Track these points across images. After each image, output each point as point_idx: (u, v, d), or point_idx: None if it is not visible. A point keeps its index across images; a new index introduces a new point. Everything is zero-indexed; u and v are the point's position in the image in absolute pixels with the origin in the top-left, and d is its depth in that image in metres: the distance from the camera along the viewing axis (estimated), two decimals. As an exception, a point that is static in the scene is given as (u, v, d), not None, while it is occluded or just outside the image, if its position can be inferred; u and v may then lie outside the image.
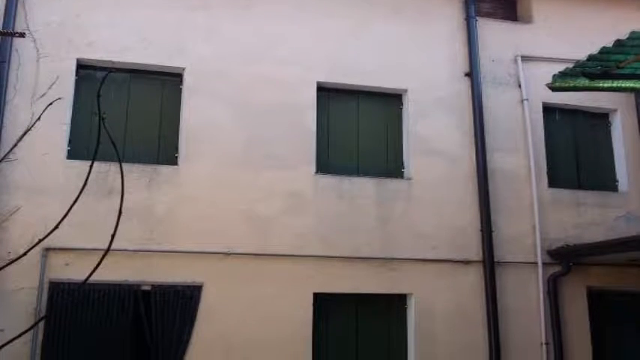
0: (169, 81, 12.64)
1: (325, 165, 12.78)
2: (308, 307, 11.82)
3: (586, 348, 12.84)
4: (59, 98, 10.42)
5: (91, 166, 4.13)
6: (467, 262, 12.72)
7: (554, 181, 13.75)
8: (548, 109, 14.22)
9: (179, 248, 11.50)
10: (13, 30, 11.40)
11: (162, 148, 12.26)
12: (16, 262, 4.52)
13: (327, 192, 12.44)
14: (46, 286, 10.87)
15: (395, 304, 12.51)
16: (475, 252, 12.80)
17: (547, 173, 13.68)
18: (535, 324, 12.72)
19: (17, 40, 11.59)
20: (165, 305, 11.24)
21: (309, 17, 13.39)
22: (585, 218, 13.55)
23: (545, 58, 14.02)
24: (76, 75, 12.03)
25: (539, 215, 13.22)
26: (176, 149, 12.16)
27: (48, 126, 10.95)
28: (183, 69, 12.48)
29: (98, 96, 4.16)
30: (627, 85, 11.04)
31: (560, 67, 10.80)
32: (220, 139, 12.20)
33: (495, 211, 13.03)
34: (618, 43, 9.62)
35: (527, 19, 14.78)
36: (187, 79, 12.46)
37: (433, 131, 13.30)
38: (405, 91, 13.49)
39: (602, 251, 12.39)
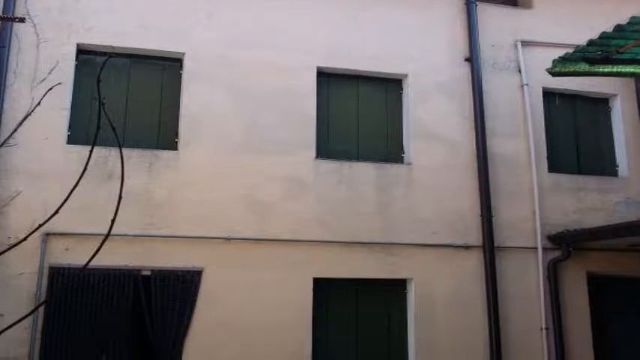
0: (169, 66, 12.54)
1: (325, 150, 12.70)
2: (308, 292, 11.76)
3: (586, 333, 12.77)
4: (59, 83, 10.41)
5: (91, 151, 4.06)
6: (467, 247, 12.65)
7: (554, 166, 13.68)
8: (549, 94, 14.14)
9: (179, 233, 11.43)
10: (13, 15, 11.32)
11: (162, 133, 12.18)
12: (16, 247, 4.43)
13: (327, 177, 12.36)
14: (46, 271, 10.80)
15: (395, 289, 12.42)
16: (475, 237, 12.72)
17: (547, 158, 13.60)
18: (535, 309, 12.66)
19: (17, 25, 11.49)
20: (165, 290, 11.17)
21: (310, 2, 13.28)
22: (585, 203, 13.47)
23: (545, 43, 13.92)
24: (76, 60, 11.94)
25: (539, 200, 13.13)
26: (176, 134, 12.07)
27: (48, 111, 10.89)
28: (184, 54, 12.39)
29: (98, 81, 4.09)
30: (627, 70, 10.95)
31: (560, 52, 10.69)
32: (220, 125, 12.12)
33: (495, 196, 12.95)
34: (618, 28, 9.52)
35: (527, 4, 14.63)
36: (187, 64, 12.36)
37: (433, 116, 13.21)
38: (405, 76, 13.40)
39: (602, 236, 12.29)
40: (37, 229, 4.42)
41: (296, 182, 12.19)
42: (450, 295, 12.41)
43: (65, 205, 4.01)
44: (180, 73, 12.46)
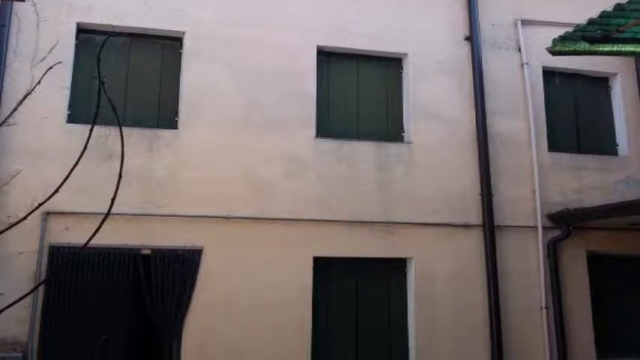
0: (169, 45, 12.43)
1: (325, 129, 12.58)
2: (308, 271, 11.69)
3: (586, 312, 12.69)
4: (59, 62, 10.34)
5: (91, 130, 4.01)
6: (467, 226, 12.56)
7: (554, 145, 13.55)
8: (548, 73, 14.01)
9: (179, 212, 11.35)
10: (13, -6, 11.27)
11: (163, 112, 12.08)
12: (16, 226, 4.41)
13: (327, 156, 12.26)
14: (46, 250, 10.75)
15: (395, 268, 12.33)
16: (475, 216, 12.63)
17: (547, 137, 13.48)
18: (535, 288, 12.57)
19: (17, 5, 11.36)
20: (165, 269, 11.11)
21: (310, -20, 13.16)
22: (585, 182, 13.36)
23: (546, 22, 13.73)
24: (76, 39, 11.84)
25: (539, 179, 13.03)
26: (176, 113, 11.98)
27: (48, 90, 10.68)
28: (184, 33, 12.27)
29: (98, 60, 4.03)
30: (627, 49, 10.86)
31: (560, 31, 10.58)
32: (220, 104, 12.03)
33: (495, 175, 12.84)
34: (618, 7, 9.40)
35: (528, -17, 14.52)
36: (187, 43, 12.25)
37: (433, 95, 13.10)
38: (406, 54, 13.28)
39: (602, 215, 12.23)
40: (36, 208, 4.39)
41: (296, 161, 12.09)
42: (450, 274, 12.32)
43: (65, 184, 3.95)
44: (181, 52, 12.35)
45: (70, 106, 11.54)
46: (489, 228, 12.49)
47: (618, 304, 13.25)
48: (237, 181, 11.74)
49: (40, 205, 4.33)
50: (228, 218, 11.51)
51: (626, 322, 13.21)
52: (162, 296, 11.02)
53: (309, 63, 12.70)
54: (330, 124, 12.74)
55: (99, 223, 3.84)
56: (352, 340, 11.92)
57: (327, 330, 11.81)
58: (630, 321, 13.20)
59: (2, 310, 3.79)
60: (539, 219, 12.85)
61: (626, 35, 10.40)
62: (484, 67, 13.38)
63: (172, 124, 11.94)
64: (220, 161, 11.75)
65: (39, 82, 5.88)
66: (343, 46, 13.05)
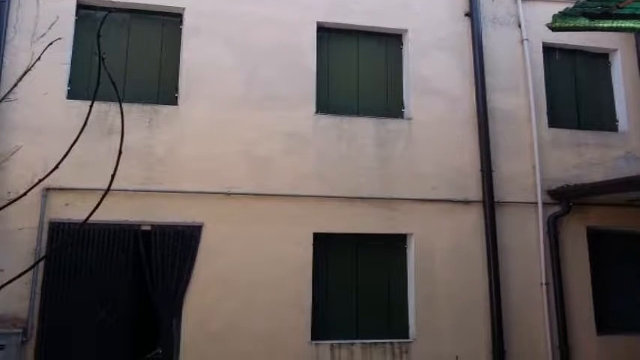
0: (169, 21, 12.33)
1: (325, 105, 12.49)
2: (308, 247, 11.63)
3: (586, 287, 12.61)
4: (59, 38, 10.16)
5: (90, 106, 3.91)
6: (467, 202, 12.46)
7: (554, 121, 13.46)
8: (549, 49, 13.90)
9: (179, 188, 11.28)
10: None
11: (162, 88, 12.01)
12: (16, 202, 4.35)
13: (327, 132, 12.18)
14: (46, 226, 10.71)
15: (395, 244, 12.26)
16: (475, 192, 12.53)
17: (547, 113, 13.39)
18: (535, 264, 12.49)
19: (17, -19, 11.33)
20: (165, 245, 11.03)
21: (310, -44, 13.00)
22: (585, 158, 13.26)
23: (546, -2, 13.68)
24: (76, 15, 11.76)
25: (539, 155, 12.92)
26: (176, 89, 11.90)
27: (48, 66, 10.55)
28: (183, 9, 12.16)
29: (98, 36, 3.92)
30: (627, 25, 10.76)
31: (561, 7, 10.48)
32: (220, 80, 11.95)
33: (495, 151, 12.73)
34: (618, -17, 9.36)
35: (528, -42, 14.39)
36: (187, 19, 12.14)
37: (433, 71, 12.98)
38: (405, 31, 13.15)
39: (601, 191, 12.18)
40: (37, 184, 4.35)
41: (296, 137, 11.99)
42: (450, 250, 12.23)
43: (65, 160, 3.87)
44: (181, 28, 12.26)
45: (70, 82, 11.49)
46: (489, 204, 12.40)
47: (618, 280, 13.17)
48: (237, 157, 11.66)
49: (40, 181, 4.28)
50: (228, 194, 11.44)
51: (626, 297, 13.13)
52: (163, 272, 10.95)
53: (309, 39, 12.59)
54: (330, 100, 12.63)
55: (99, 199, 3.77)
56: (352, 315, 11.85)
57: (327, 306, 11.74)
58: (630, 297, 13.13)
59: (2, 287, 3.76)
60: (539, 195, 12.75)
61: (626, 11, 10.29)
62: (484, 43, 13.26)
63: (172, 100, 11.86)
64: (220, 137, 11.67)
65: (39, 59, 5.79)
66: (343, 22, 12.93)
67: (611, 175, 12.86)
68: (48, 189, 10.68)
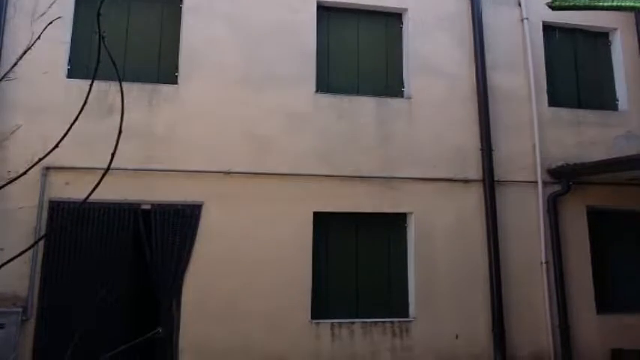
0: (169, 0, 12.26)
1: (325, 84, 12.41)
2: (308, 226, 11.57)
3: (586, 266, 12.55)
4: (59, 17, 10.17)
5: (91, 85, 3.81)
6: (467, 181, 12.39)
7: (554, 100, 13.37)
8: (548, 28, 13.79)
9: (179, 167, 11.22)
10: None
11: (163, 67, 11.93)
12: (16, 181, 4.24)
13: (327, 111, 12.09)
14: (45, 205, 10.68)
15: (395, 223, 12.20)
16: (475, 171, 12.46)
17: (547, 92, 13.29)
18: (535, 243, 12.43)
19: (17, -41, 11.24)
20: (165, 224, 10.98)
21: None
22: (585, 137, 13.16)
23: (546, -24, 13.60)
24: (76, -7, 11.62)
25: (539, 134, 12.84)
26: (176, 68, 11.80)
27: (48, 45, 10.57)
28: (184, -13, 12.06)
29: (98, 15, 3.83)
30: (627, 4, 10.61)
31: (561, -15, 10.48)
32: (220, 59, 11.87)
33: (495, 130, 12.64)
34: (620, -40, 9.27)
35: None
36: (187, -3, 12.04)
37: (433, 50, 12.89)
38: (405, 9, 13.05)
39: (601, 170, 12.11)
40: (36, 163, 4.23)
41: (296, 116, 11.91)
42: (450, 228, 12.17)
43: (65, 139, 3.77)
44: (181, 7, 12.17)
45: (70, 60, 11.45)
46: (489, 183, 12.33)
47: (618, 259, 13.12)
48: (237, 136, 11.58)
49: (40, 160, 4.18)
50: (228, 173, 11.37)
51: (626, 277, 13.08)
52: (162, 251, 10.89)
53: (310, 18, 12.50)
54: (330, 79, 12.55)
55: (99, 178, 3.71)
56: (352, 294, 11.79)
57: (327, 284, 11.69)
58: (630, 276, 13.07)
59: (2, 266, 3.64)
60: (539, 174, 12.68)
61: (627, -10, 10.24)
62: (484, 22, 13.15)
63: (172, 79, 11.77)
64: (220, 116, 11.60)
65: (39, 37, 5.72)
66: (343, 1, 12.84)
67: (611, 154, 12.74)
68: (48, 168, 10.61)
